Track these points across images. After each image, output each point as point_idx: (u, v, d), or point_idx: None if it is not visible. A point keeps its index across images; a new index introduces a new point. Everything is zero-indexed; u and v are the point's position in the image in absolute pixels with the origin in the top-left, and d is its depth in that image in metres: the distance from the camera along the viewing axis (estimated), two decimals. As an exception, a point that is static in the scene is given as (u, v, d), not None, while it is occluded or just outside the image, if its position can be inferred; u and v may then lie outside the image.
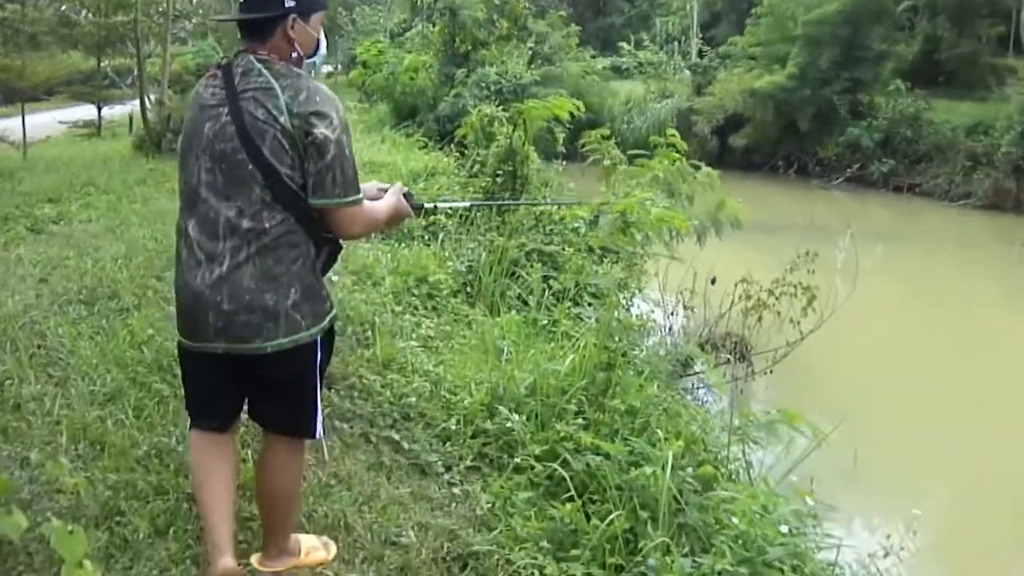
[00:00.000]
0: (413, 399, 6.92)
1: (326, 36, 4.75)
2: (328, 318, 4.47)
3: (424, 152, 21.89)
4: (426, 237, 11.72)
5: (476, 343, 8.34)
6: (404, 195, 4.86)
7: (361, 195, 4.30)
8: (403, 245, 10.95)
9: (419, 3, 37.76)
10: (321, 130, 4.05)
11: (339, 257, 4.64)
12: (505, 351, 7.96)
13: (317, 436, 4.64)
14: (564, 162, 16.68)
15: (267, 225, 4.10)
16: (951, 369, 15.91)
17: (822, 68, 41.84)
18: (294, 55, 4.32)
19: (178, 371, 5.16)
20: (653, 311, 12.44)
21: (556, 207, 12.46)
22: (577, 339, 8.09)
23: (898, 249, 25.00)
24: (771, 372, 12.29)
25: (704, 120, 42.82)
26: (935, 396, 14.19)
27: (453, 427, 6.63)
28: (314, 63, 4.58)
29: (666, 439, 6.37)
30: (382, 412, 6.76)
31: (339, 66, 55.90)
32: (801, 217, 28.46)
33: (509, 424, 6.49)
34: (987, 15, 48.03)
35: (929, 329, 19.13)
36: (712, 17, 64.35)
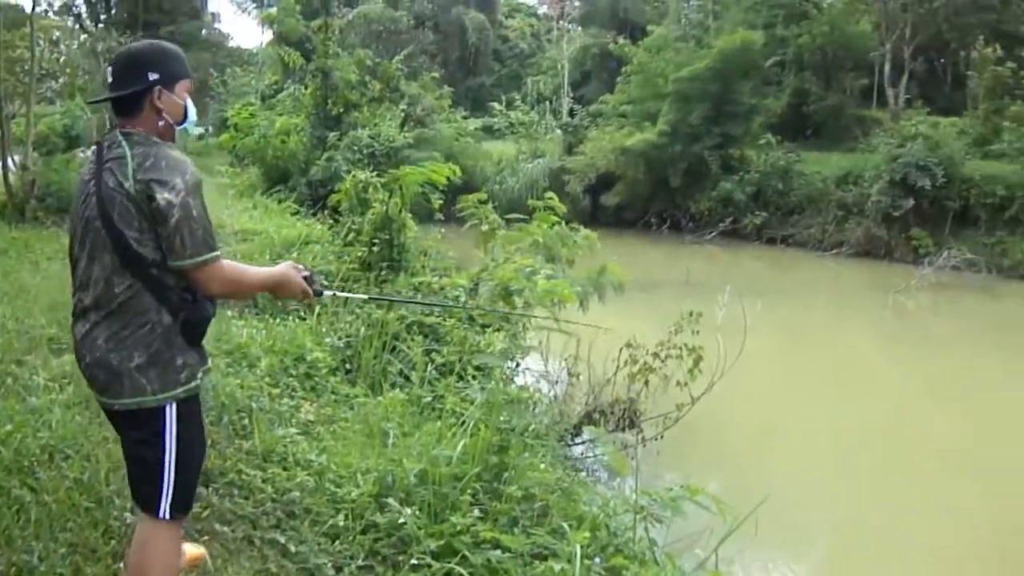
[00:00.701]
0: (297, 494, 6.41)
1: (196, 99, 4.78)
2: (183, 388, 4.34)
3: (297, 218, 21.31)
4: (302, 312, 11.21)
5: (360, 427, 7.91)
6: (306, 277, 4.81)
7: (216, 253, 4.26)
8: (278, 321, 10.45)
9: (291, 64, 37.33)
10: (163, 195, 4.09)
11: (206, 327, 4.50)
12: (391, 435, 7.53)
13: (161, 516, 4.38)
14: (442, 229, 16.36)
15: (116, 290, 4.19)
16: (837, 420, 16.18)
17: (693, 124, 42.38)
18: (162, 124, 4.37)
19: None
20: (539, 381, 12.11)
21: (436, 284, 12.12)
22: (465, 418, 7.72)
23: (777, 302, 25.14)
24: (662, 438, 12.01)
25: (576, 179, 42.98)
26: (824, 448, 14.54)
27: (341, 523, 6.15)
28: (185, 129, 4.58)
29: (570, 526, 6.09)
30: (265, 511, 6.24)
31: (210, 128, 55.12)
32: (678, 273, 28.56)
33: (401, 519, 6.04)
34: (851, 69, 49.49)
35: (813, 382, 19.30)
36: (582, 76, 65.07)
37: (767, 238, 41.08)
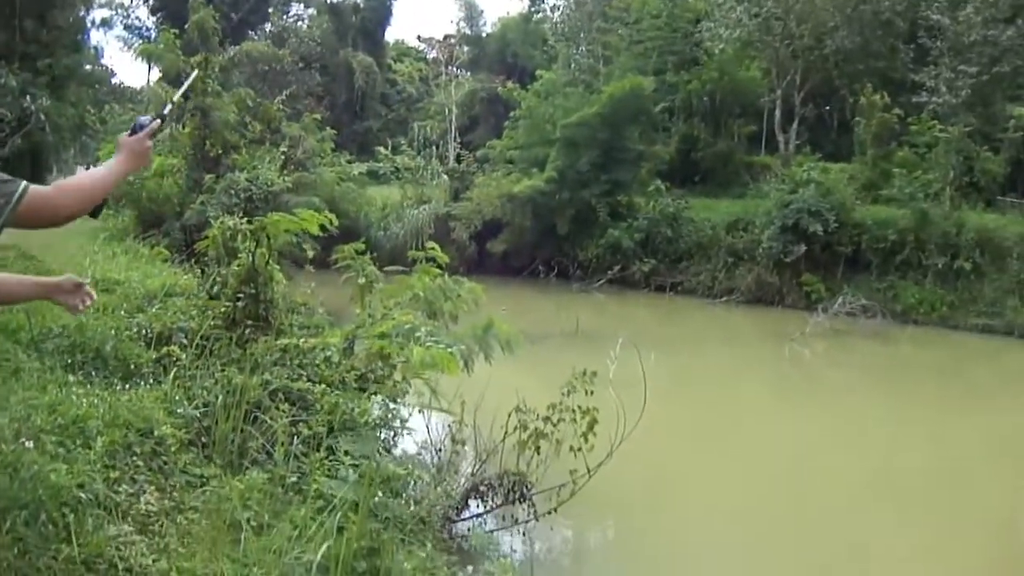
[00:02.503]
0: (122, 615, 5.27)
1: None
2: None
3: (167, 266, 20.05)
4: (155, 374, 10.06)
5: (212, 518, 6.82)
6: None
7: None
8: (127, 386, 9.30)
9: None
10: None
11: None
12: (246, 528, 6.49)
13: None
14: (313, 282, 15.39)
15: None
16: (737, 474, 16.21)
17: (581, 170, 42.07)
18: None
19: None
20: (420, 451, 11.11)
21: (303, 339, 11.07)
22: (333, 502, 6.77)
23: (671, 353, 24.72)
24: (556, 511, 11.12)
25: (462, 226, 42.21)
26: (726, 504, 14.57)
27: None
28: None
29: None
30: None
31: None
32: (567, 323, 27.91)
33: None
34: (740, 115, 49.73)
35: (712, 436, 19.19)
36: (470, 121, 64.65)
37: (656, 285, 40.90)
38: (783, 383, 27.03)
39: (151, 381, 9.72)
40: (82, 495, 6.44)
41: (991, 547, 14.03)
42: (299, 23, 74.34)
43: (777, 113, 47.59)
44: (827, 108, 54.31)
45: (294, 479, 7.88)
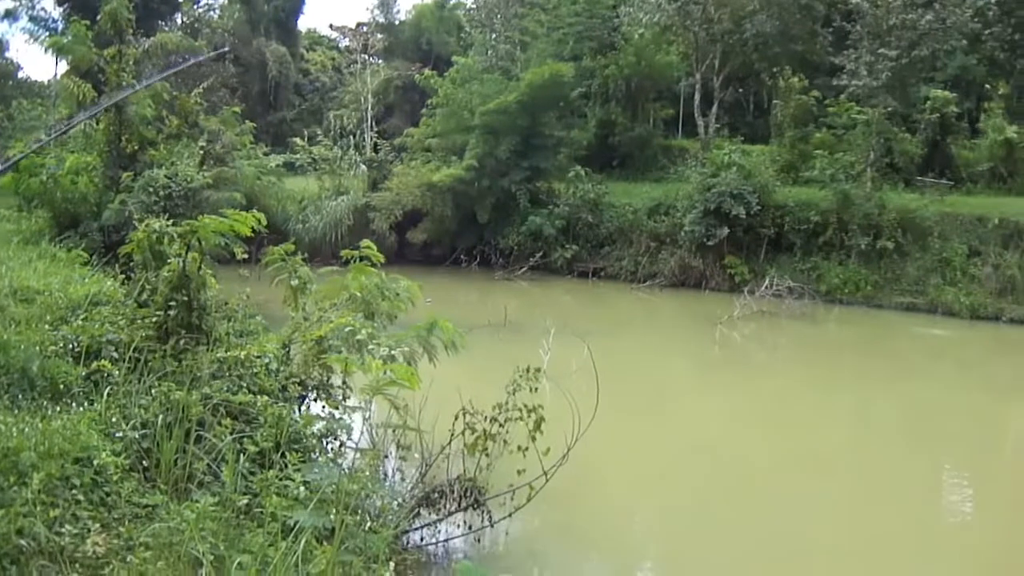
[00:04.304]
0: None
1: None
2: None
3: (88, 271, 19.21)
4: (87, 393, 9.48)
5: (166, 557, 6.35)
6: None
7: None
8: (58, 408, 8.72)
9: (82, 97, 34.70)
10: None
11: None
12: (204, 563, 6.06)
13: None
14: (247, 273, 14.98)
15: None
16: (677, 459, 16.86)
17: (500, 158, 41.63)
18: None
19: None
20: (363, 458, 10.72)
21: (240, 349, 10.62)
22: (293, 528, 6.38)
23: (602, 340, 24.14)
24: (511, 516, 10.85)
25: (382, 216, 41.56)
26: (665, 487, 15.30)
27: None
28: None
29: None
30: None
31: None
32: (494, 313, 27.64)
33: None
34: (657, 99, 49.81)
35: (649, 423, 19.40)
36: (386, 109, 64.12)
37: (579, 271, 40.85)
38: (714, 365, 27.23)
39: (83, 401, 9.19)
40: (23, 542, 5.96)
41: (909, 514, 14.79)
42: (211, 13, 73.09)
43: (696, 97, 47.58)
44: (743, 91, 54.64)
45: (245, 502, 7.48)
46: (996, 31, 36.59)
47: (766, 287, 33.61)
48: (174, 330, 10.71)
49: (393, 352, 10.46)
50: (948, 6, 37.06)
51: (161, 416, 8.52)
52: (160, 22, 61.73)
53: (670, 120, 51.81)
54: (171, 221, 11.91)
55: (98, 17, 31.50)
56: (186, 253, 10.99)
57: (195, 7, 69.13)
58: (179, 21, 66.94)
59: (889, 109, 38.68)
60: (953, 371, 27.11)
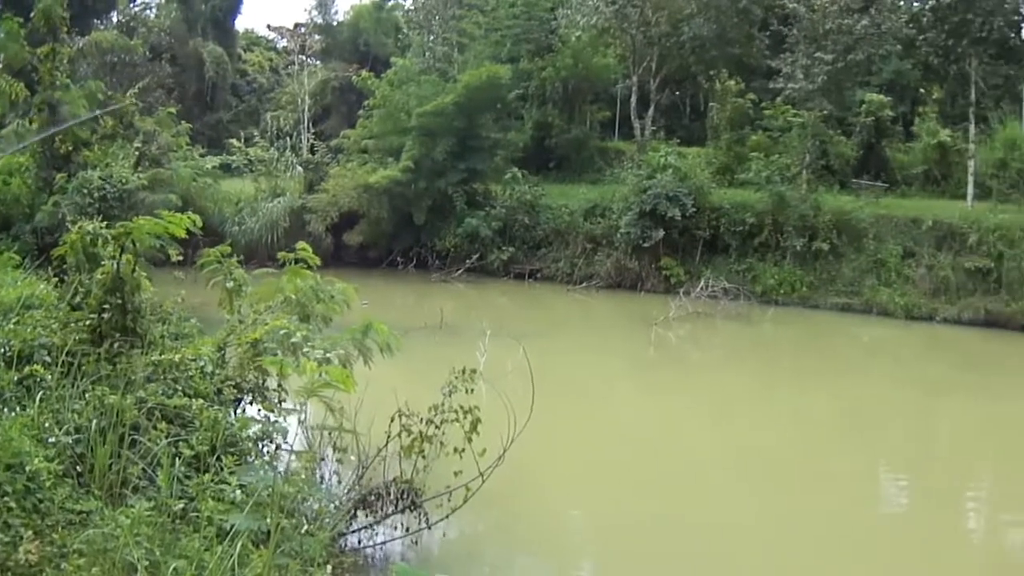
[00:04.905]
0: None
1: None
2: None
3: (20, 273, 18.90)
4: (19, 398, 9.36)
5: (100, 564, 6.31)
6: None
7: None
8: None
9: (15, 97, 34.15)
10: None
11: None
12: (139, 569, 6.03)
13: None
14: (181, 274, 14.86)
15: None
16: (612, 459, 16.94)
17: (437, 160, 41.64)
18: None
19: None
20: (303, 470, 10.69)
21: (175, 352, 10.56)
22: (229, 532, 6.38)
23: (538, 342, 24.34)
24: (448, 518, 10.87)
25: (318, 218, 41.42)
26: (601, 487, 15.41)
27: None
28: None
29: None
30: None
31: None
32: (430, 315, 27.73)
33: None
34: (593, 101, 49.98)
35: (584, 424, 19.54)
36: (323, 111, 63.83)
37: (515, 273, 40.97)
38: (650, 366, 27.54)
39: (15, 407, 9.07)
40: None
41: (844, 507, 15.06)
42: (147, 12, 72.34)
43: (633, 99, 47.88)
44: (680, 94, 54.96)
45: (180, 506, 7.45)
46: (930, 37, 37.08)
47: (701, 288, 33.90)
48: (108, 333, 10.61)
49: (328, 355, 10.47)
50: (883, 12, 37.75)
51: (95, 421, 8.45)
52: (96, 20, 61.02)
53: (607, 122, 52.03)
54: (105, 223, 11.81)
55: (31, 14, 31.06)
56: (120, 255, 10.89)
57: (131, 6, 68.41)
58: (115, 20, 66.17)
59: (825, 112, 39.20)
60: (887, 369, 27.60)
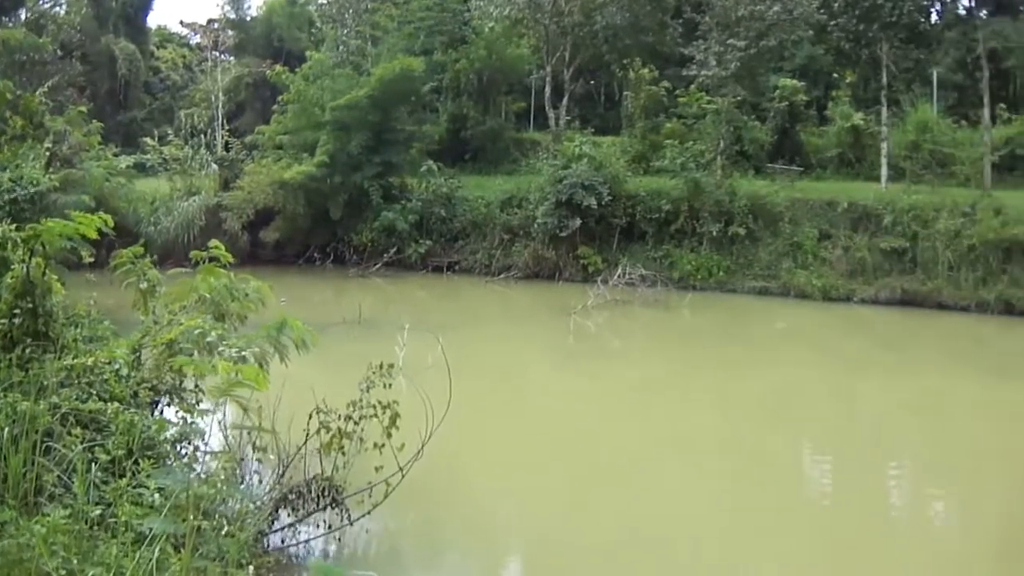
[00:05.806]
0: None
1: None
2: None
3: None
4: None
5: (15, 573, 6.27)
6: None
7: None
8: None
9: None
10: None
11: None
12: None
13: None
14: (94, 277, 14.72)
15: None
16: (535, 449, 16.98)
17: (352, 154, 41.53)
18: None
19: None
20: (223, 468, 10.63)
21: (88, 356, 10.46)
22: (147, 536, 6.36)
23: (457, 334, 24.77)
24: (369, 514, 10.86)
25: (234, 216, 41.03)
26: (524, 478, 15.34)
27: None
28: None
29: None
30: None
31: None
32: (348, 310, 27.71)
33: None
34: (508, 92, 50.20)
35: (505, 415, 19.57)
36: (237, 107, 63.32)
37: (433, 266, 41.09)
38: (569, 355, 27.68)
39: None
40: None
41: (770, 491, 15.17)
42: (57, 8, 71.07)
43: (547, 90, 48.05)
44: (594, 83, 55.24)
45: (98, 512, 7.40)
46: (841, 22, 37.64)
47: (619, 276, 34.14)
48: (19, 338, 10.49)
49: (244, 353, 10.42)
50: (795, -2, 38.17)
51: (7, 428, 8.34)
52: (3, 17, 60.01)
53: (522, 113, 52.28)
54: (15, 226, 11.68)
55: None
56: (30, 259, 10.78)
57: (40, 2, 67.22)
58: (23, 17, 65.03)
59: (739, 98, 39.75)
60: (807, 351, 28.07)
